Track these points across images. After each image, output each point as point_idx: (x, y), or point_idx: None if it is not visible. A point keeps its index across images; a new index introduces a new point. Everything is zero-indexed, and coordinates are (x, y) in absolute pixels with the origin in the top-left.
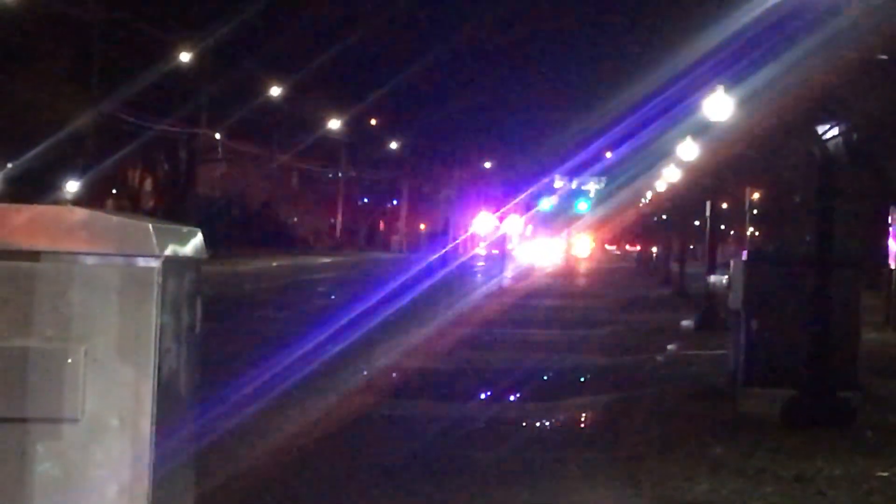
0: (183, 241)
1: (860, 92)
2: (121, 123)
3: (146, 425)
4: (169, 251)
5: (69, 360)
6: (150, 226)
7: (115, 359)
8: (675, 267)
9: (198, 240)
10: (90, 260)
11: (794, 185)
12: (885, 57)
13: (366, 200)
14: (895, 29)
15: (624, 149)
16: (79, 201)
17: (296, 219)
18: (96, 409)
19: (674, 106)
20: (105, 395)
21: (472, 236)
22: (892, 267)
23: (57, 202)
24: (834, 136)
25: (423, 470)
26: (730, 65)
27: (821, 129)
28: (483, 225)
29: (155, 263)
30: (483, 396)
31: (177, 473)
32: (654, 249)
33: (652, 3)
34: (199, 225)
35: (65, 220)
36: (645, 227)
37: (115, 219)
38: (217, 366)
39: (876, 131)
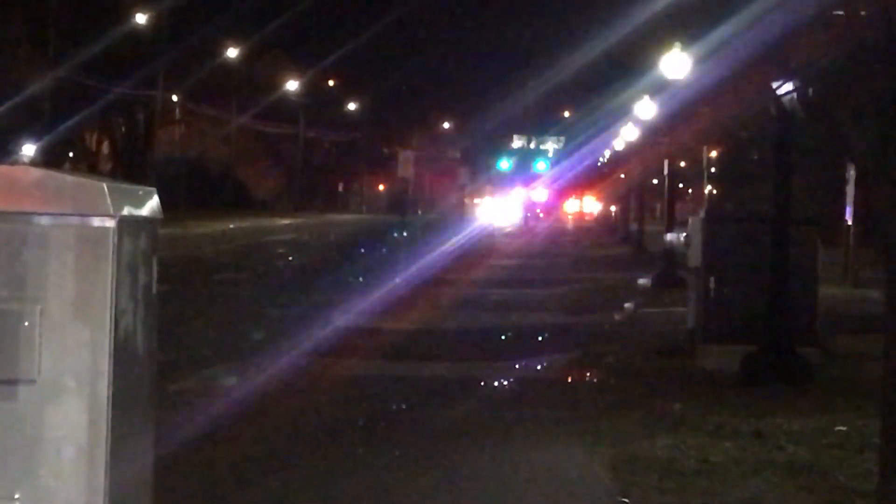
0: (139, 201)
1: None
2: (78, 87)
3: (103, 386)
4: (124, 211)
5: (24, 321)
6: (105, 185)
7: (71, 319)
8: (634, 226)
9: (153, 200)
10: (44, 220)
11: (752, 142)
12: (840, 13)
13: (324, 162)
14: None
15: (582, 108)
16: (36, 165)
17: (254, 180)
18: (53, 369)
19: (632, 64)
20: (61, 355)
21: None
22: (850, 223)
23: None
24: (789, 92)
25: (386, 429)
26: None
27: (776, 84)
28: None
29: (110, 223)
30: (444, 356)
31: (136, 434)
32: (613, 209)
33: None
34: (157, 187)
35: (18, 179)
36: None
37: (69, 178)
38: (175, 327)
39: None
